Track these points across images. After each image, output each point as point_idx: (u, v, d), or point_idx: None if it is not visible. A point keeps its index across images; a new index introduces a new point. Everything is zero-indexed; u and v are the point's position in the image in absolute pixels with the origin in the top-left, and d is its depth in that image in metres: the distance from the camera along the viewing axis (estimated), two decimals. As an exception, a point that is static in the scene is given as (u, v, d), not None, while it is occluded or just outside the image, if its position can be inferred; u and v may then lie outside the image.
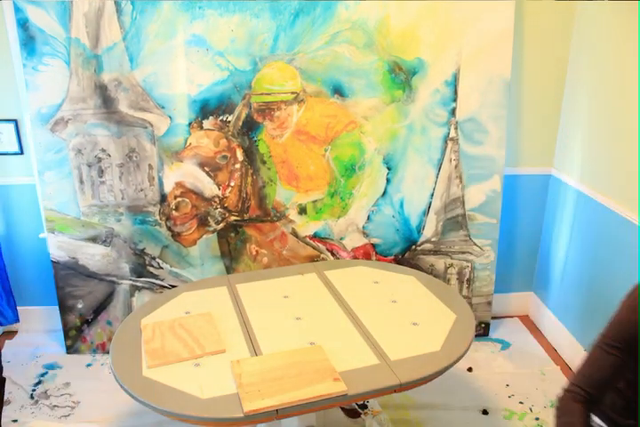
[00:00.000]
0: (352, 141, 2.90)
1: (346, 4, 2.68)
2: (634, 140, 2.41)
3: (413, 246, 3.11)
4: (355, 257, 3.09)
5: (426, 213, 3.04)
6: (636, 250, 2.42)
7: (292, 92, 2.80)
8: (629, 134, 2.45)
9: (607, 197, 2.65)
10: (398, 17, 2.72)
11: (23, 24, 2.61)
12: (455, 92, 2.86)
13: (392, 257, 3.11)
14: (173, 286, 3.02)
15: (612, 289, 2.63)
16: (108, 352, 3.09)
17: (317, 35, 2.72)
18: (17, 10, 2.59)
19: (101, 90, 2.71)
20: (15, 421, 2.58)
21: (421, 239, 3.10)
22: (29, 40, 2.62)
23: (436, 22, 2.74)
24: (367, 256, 3.10)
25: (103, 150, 2.80)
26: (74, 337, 3.07)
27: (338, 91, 2.81)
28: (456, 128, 2.91)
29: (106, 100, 2.73)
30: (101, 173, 2.84)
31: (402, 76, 2.82)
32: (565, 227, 3.05)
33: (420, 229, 3.07)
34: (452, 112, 2.88)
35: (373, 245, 3.09)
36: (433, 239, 3.10)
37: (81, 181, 2.84)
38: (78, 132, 2.76)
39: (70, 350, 3.09)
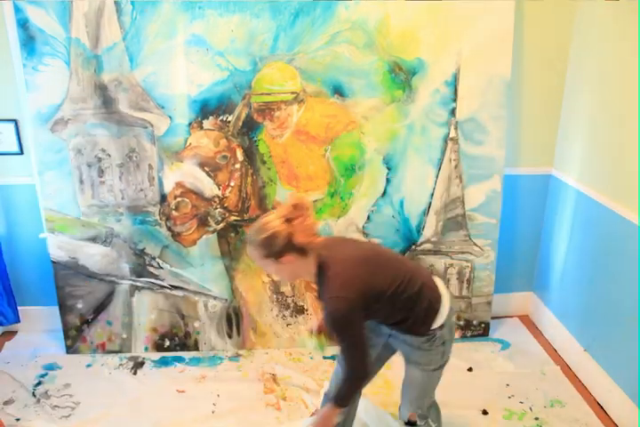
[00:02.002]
0: (352, 141, 2.90)
1: (345, 4, 2.67)
2: (634, 141, 2.41)
3: (413, 246, 3.10)
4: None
5: (426, 213, 3.04)
6: (636, 250, 2.42)
7: (292, 92, 2.80)
8: (629, 134, 2.45)
9: (607, 197, 2.64)
10: (398, 17, 2.72)
11: (23, 24, 2.61)
12: (455, 92, 2.86)
13: (392, 257, 3.11)
14: (174, 287, 3.02)
15: (611, 289, 2.64)
16: (108, 352, 3.09)
17: (317, 35, 2.71)
18: (17, 10, 2.59)
19: (101, 90, 2.72)
20: (18, 420, 2.58)
21: (421, 239, 3.10)
22: (29, 40, 2.62)
23: (435, 22, 2.74)
24: (367, 256, 3.09)
25: (103, 150, 2.80)
26: (74, 337, 3.07)
27: (338, 91, 2.81)
28: (456, 128, 2.91)
29: (106, 100, 2.73)
30: (101, 173, 2.84)
31: (402, 76, 2.82)
32: (565, 227, 3.05)
33: (419, 229, 3.07)
34: (452, 112, 2.88)
35: (373, 245, 3.09)
36: (433, 239, 3.09)
37: (81, 181, 2.84)
38: (78, 132, 2.76)
39: (70, 350, 3.09)
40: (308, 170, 2.92)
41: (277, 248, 1.72)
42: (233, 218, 2.96)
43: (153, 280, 3.01)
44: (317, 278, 1.86)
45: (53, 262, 2.93)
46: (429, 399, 2.21)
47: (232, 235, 2.99)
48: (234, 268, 3.04)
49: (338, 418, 2.03)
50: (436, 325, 1.95)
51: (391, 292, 1.85)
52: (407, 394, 2.19)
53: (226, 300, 3.09)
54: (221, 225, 2.97)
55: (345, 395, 1.97)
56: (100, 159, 2.81)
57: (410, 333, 1.98)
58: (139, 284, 3.01)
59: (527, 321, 3.47)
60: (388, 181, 2.98)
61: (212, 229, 2.97)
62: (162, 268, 3.00)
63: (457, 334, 3.24)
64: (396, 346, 2.13)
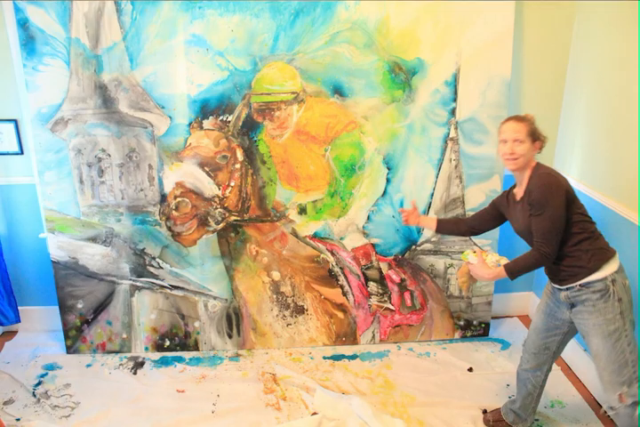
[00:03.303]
0: (352, 141, 2.90)
1: (346, 5, 2.67)
2: (634, 140, 2.41)
3: (413, 246, 3.10)
4: (355, 257, 3.08)
5: (426, 212, 3.04)
6: (636, 250, 2.41)
7: (292, 92, 2.80)
8: (629, 134, 2.45)
9: (607, 196, 2.64)
10: (398, 17, 2.72)
11: (23, 24, 2.61)
12: (455, 92, 2.85)
13: (392, 257, 3.11)
14: (174, 286, 3.02)
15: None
16: (108, 352, 3.09)
17: (317, 35, 2.71)
18: (17, 10, 2.59)
19: (101, 90, 2.71)
20: (18, 420, 2.58)
21: (421, 239, 3.10)
22: (29, 40, 2.62)
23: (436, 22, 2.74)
24: (367, 256, 3.10)
25: (103, 150, 2.80)
26: (74, 337, 3.07)
27: (338, 91, 2.81)
28: (456, 128, 2.91)
29: (106, 100, 2.73)
30: (101, 173, 2.84)
31: (402, 76, 2.82)
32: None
33: (419, 229, 3.07)
34: (452, 112, 2.88)
35: (373, 246, 3.09)
36: (433, 239, 3.10)
37: (81, 181, 2.84)
38: (78, 132, 2.77)
39: (70, 350, 3.09)
40: (308, 170, 2.92)
41: (538, 134, 2.12)
42: (233, 218, 2.96)
43: (153, 280, 3.01)
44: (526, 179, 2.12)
45: (53, 262, 2.93)
46: (631, 373, 2.08)
47: (232, 235, 2.99)
48: (234, 268, 3.04)
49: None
50: (609, 270, 2.08)
51: (577, 211, 2.08)
52: (602, 376, 2.13)
53: (226, 300, 3.09)
54: (221, 225, 2.97)
55: (520, 269, 2.13)
56: (99, 159, 2.82)
57: (583, 275, 2.08)
58: (139, 284, 3.01)
59: (527, 321, 3.46)
60: (387, 180, 2.98)
61: (212, 229, 2.97)
62: (162, 268, 3.00)
63: (457, 334, 3.25)
64: (575, 321, 2.19)
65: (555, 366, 3.00)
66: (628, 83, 2.45)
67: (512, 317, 3.50)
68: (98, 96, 2.72)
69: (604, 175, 2.69)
